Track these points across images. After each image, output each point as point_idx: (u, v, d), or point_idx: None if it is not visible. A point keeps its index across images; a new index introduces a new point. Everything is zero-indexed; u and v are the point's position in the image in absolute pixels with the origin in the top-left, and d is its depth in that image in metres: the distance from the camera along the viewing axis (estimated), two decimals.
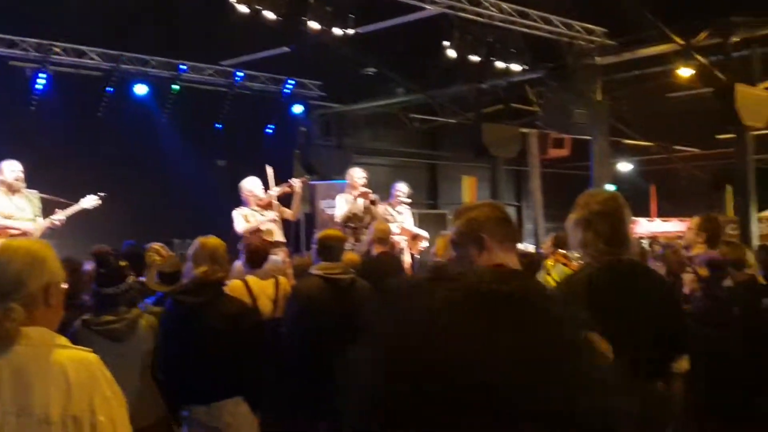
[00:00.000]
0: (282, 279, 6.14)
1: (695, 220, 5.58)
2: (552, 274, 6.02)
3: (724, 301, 5.03)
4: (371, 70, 16.14)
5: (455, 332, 0.81)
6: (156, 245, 6.12)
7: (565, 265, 6.20)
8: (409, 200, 9.83)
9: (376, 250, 7.18)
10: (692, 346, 3.50)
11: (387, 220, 8.72)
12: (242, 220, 8.53)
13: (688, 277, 5.09)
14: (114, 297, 4.28)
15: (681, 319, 3.63)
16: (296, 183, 9.15)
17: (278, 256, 6.77)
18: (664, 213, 20.03)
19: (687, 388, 3.42)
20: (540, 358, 0.80)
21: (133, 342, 4.32)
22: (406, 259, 8.99)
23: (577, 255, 3.87)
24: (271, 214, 8.74)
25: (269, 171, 9.10)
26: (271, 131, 17.41)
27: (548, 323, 0.85)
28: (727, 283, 5.33)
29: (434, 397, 0.78)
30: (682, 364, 3.40)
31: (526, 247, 15.00)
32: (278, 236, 8.67)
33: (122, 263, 4.42)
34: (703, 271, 5.09)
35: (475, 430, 0.77)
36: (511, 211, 23.68)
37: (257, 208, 8.72)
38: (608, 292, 3.31)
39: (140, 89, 15.16)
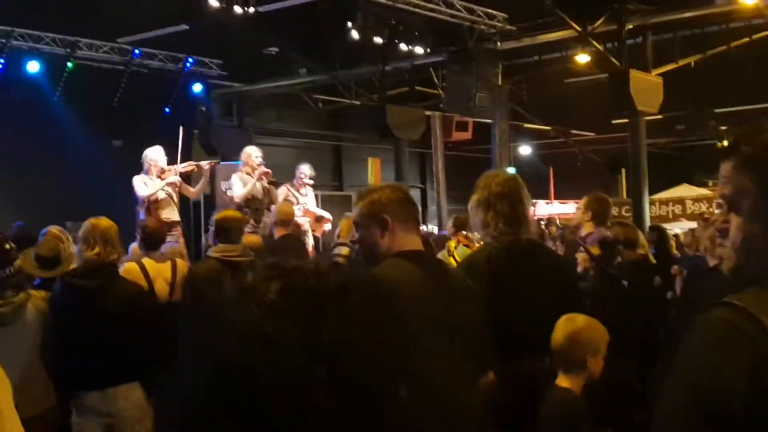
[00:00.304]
0: (180, 261, 5.95)
1: (583, 200, 5.71)
2: (454, 254, 6.05)
3: (615, 279, 5.16)
4: (273, 50, 15.88)
5: (281, 339, 0.77)
6: (54, 229, 5.80)
7: (467, 246, 6.24)
8: (313, 182, 9.72)
9: (278, 233, 7.04)
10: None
11: (289, 202, 8.58)
12: (142, 185, 8.23)
13: (580, 256, 5.21)
14: (0, 281, 4.05)
15: (575, 297, 3.70)
16: (205, 165, 8.92)
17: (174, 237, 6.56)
18: (561, 195, 20.58)
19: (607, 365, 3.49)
20: (367, 351, 0.75)
21: (19, 327, 4.12)
22: (309, 242, 8.89)
23: (478, 236, 3.89)
24: (173, 179, 8.41)
25: (181, 133, 8.87)
26: (169, 111, 16.96)
27: (372, 316, 0.80)
28: (618, 260, 5.49)
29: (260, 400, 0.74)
30: None
31: (431, 228, 15.16)
32: (174, 214, 8.42)
33: (9, 246, 4.18)
34: (595, 250, 5.21)
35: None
36: (415, 194, 23.87)
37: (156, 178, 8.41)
38: (507, 270, 3.37)
39: (33, 66, 14.60)
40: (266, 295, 0.79)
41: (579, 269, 5.18)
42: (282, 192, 9.04)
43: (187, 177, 8.96)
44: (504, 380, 2.98)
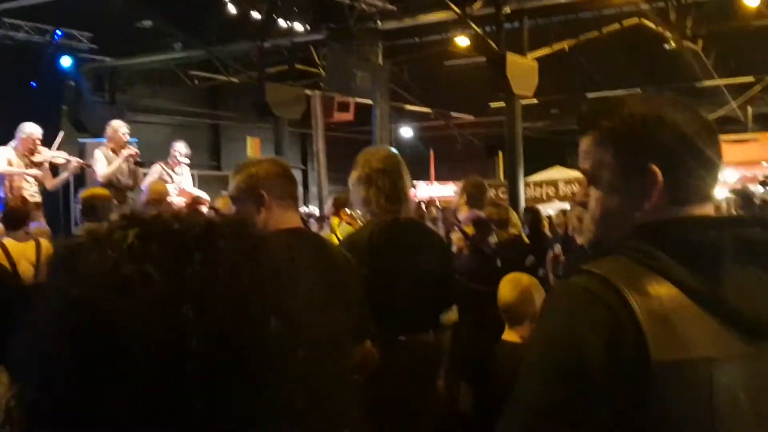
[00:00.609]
0: (44, 241, 5.66)
1: (461, 183, 5.83)
2: (337, 232, 6.07)
3: (489, 258, 5.29)
4: (147, 23, 15.32)
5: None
6: None
7: (349, 224, 6.27)
8: (189, 161, 9.45)
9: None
10: (461, 299, 3.66)
11: (163, 181, 8.31)
12: (5, 161, 7.78)
13: (455, 236, 5.31)
14: None
15: (452, 275, 3.76)
16: (74, 162, 8.48)
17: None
18: (442, 177, 20.88)
19: (453, 338, 3.59)
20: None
21: None
22: None
23: (360, 214, 3.88)
24: (33, 171, 8.01)
25: (60, 136, 8.46)
26: (36, 85, 16.10)
27: (241, 251, 0.77)
28: (493, 240, 5.63)
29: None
30: (451, 315, 3.56)
31: (312, 210, 15.08)
32: (37, 195, 8.02)
33: None
34: (469, 229, 5.32)
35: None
36: (297, 174, 23.66)
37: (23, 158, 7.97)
38: (388, 248, 3.37)
39: None
40: (123, 242, 0.73)
41: (454, 248, 5.28)
42: (156, 171, 8.74)
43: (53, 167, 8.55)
44: (385, 355, 3.01)
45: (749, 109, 21.64)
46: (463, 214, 5.65)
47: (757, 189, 12.54)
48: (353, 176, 3.56)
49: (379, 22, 14.12)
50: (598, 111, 1.49)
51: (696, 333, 1.26)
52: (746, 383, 1.27)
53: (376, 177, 3.46)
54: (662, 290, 1.28)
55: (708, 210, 1.43)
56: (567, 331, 1.30)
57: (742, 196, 9.97)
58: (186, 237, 0.74)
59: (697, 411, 1.24)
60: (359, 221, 4.67)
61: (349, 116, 16.71)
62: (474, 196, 5.66)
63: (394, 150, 4.04)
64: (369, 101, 14.89)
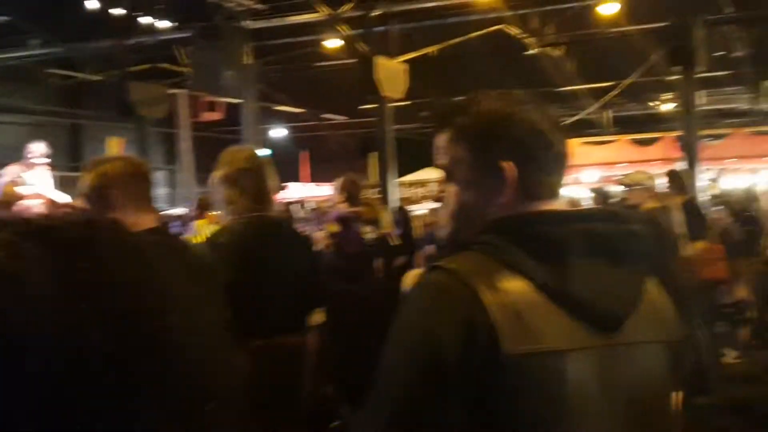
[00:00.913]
0: None
1: (338, 182, 5.82)
2: (202, 234, 5.93)
3: (356, 257, 5.29)
4: (3, 18, 14.52)
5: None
6: None
7: (216, 224, 6.15)
8: (46, 162, 9.00)
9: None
10: (327, 300, 3.63)
11: (16, 183, 7.89)
12: None
13: (319, 234, 5.27)
14: None
15: (319, 275, 3.72)
16: None
17: None
18: (316, 178, 20.84)
19: (321, 339, 3.55)
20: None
21: None
22: None
23: (223, 213, 3.79)
24: None
25: None
26: None
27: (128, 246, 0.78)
28: (370, 236, 5.64)
29: None
30: (318, 316, 3.53)
31: (179, 211, 14.68)
32: None
33: None
34: (334, 228, 5.30)
35: None
36: (164, 175, 23.07)
37: None
38: (253, 248, 3.30)
39: None
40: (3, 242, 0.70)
41: (320, 247, 5.24)
42: (10, 173, 8.29)
43: None
44: (253, 357, 2.95)
45: (608, 113, 22.75)
46: (341, 211, 5.65)
47: (615, 189, 13.15)
48: (216, 175, 3.46)
49: (247, 21, 13.92)
50: (452, 108, 1.52)
51: (547, 326, 1.28)
52: (596, 374, 1.30)
53: (240, 177, 3.38)
54: (514, 284, 1.30)
55: (559, 205, 1.46)
56: (422, 329, 1.30)
57: (600, 195, 10.43)
58: (68, 234, 0.72)
59: (549, 402, 1.26)
60: (224, 222, 4.57)
61: (217, 115, 16.41)
62: (352, 195, 5.67)
63: (266, 150, 3.97)
64: (240, 100, 14.68)
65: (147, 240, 0.81)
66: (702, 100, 15.80)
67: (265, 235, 3.41)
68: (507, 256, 1.32)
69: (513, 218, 1.39)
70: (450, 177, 1.49)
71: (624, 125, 22.57)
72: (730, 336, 8.47)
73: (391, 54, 13.82)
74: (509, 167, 1.40)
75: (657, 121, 22.77)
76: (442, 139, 1.50)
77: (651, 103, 23.33)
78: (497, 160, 1.41)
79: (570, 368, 1.28)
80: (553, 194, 1.46)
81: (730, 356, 8.31)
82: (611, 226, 1.40)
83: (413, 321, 1.32)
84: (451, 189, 1.49)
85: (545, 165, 1.44)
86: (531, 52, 15.67)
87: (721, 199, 9.71)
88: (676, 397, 1.49)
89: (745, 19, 15.12)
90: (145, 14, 12.45)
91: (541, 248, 1.33)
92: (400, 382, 1.29)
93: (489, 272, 1.30)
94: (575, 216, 1.42)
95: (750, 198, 10.41)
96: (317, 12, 13.12)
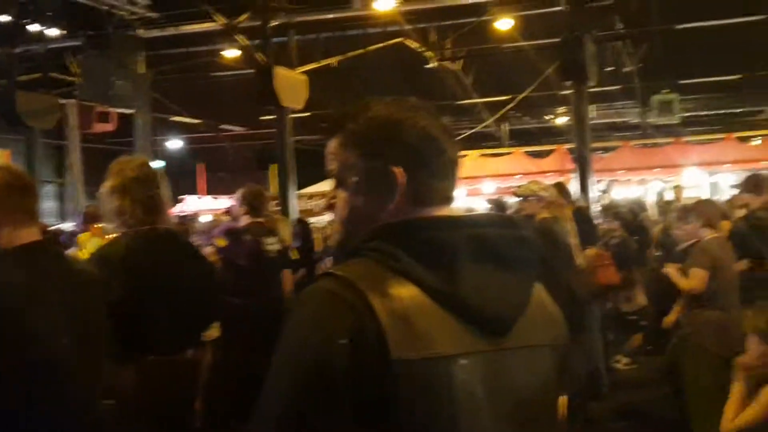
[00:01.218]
0: None
1: (239, 193, 5.71)
2: (87, 248, 5.68)
3: (243, 270, 5.17)
4: None
5: None
6: None
7: (102, 238, 5.92)
8: None
9: None
10: (222, 314, 3.55)
11: None
12: None
13: (208, 250, 5.14)
14: None
15: (213, 289, 3.62)
16: None
17: None
18: (213, 190, 20.52)
19: (216, 354, 3.47)
20: None
21: None
22: None
23: (113, 226, 3.65)
24: None
25: None
26: None
27: None
28: (273, 248, 5.55)
29: None
30: (212, 332, 3.45)
31: (68, 226, 14.15)
32: None
33: None
34: (222, 242, 5.20)
35: None
36: (53, 189, 22.25)
37: None
38: (145, 261, 3.20)
39: None
40: None
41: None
42: None
43: None
44: (146, 373, 2.90)
45: (505, 126, 23.31)
46: (244, 223, 5.54)
47: (511, 199, 13.44)
48: (106, 185, 3.33)
49: (140, 30, 13.60)
50: (344, 114, 1.50)
51: (436, 331, 1.27)
52: (484, 379, 1.31)
53: (131, 187, 3.27)
54: (403, 290, 1.28)
55: (450, 211, 1.46)
56: (308, 337, 1.27)
57: (497, 205, 10.63)
58: None
59: (438, 408, 1.25)
60: (112, 234, 4.41)
61: (110, 127, 15.87)
62: (254, 206, 5.57)
63: (160, 162, 3.84)
64: (132, 111, 14.31)
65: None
66: (594, 114, 16.40)
67: (157, 249, 3.29)
68: (396, 262, 1.31)
69: (402, 224, 1.38)
70: (340, 183, 1.48)
71: (520, 138, 23.19)
72: (623, 342, 8.76)
73: (291, 64, 13.76)
74: (399, 173, 1.40)
75: (552, 134, 23.48)
76: (332, 145, 1.49)
77: (546, 117, 24.05)
78: (387, 166, 1.41)
79: (458, 373, 1.27)
80: (444, 200, 1.45)
81: (622, 362, 8.59)
82: (500, 231, 1.41)
83: (300, 329, 1.29)
84: (342, 195, 1.48)
85: (436, 171, 1.44)
86: (430, 65, 15.88)
87: (611, 210, 10.04)
88: (563, 401, 1.51)
89: (634, 35, 15.77)
90: (34, 21, 11.96)
91: (431, 254, 1.33)
92: (286, 393, 1.26)
93: (378, 278, 1.29)
94: (464, 221, 1.41)
95: (639, 208, 10.81)
96: (213, 21, 12.93)
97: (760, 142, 17.36)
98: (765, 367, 3.06)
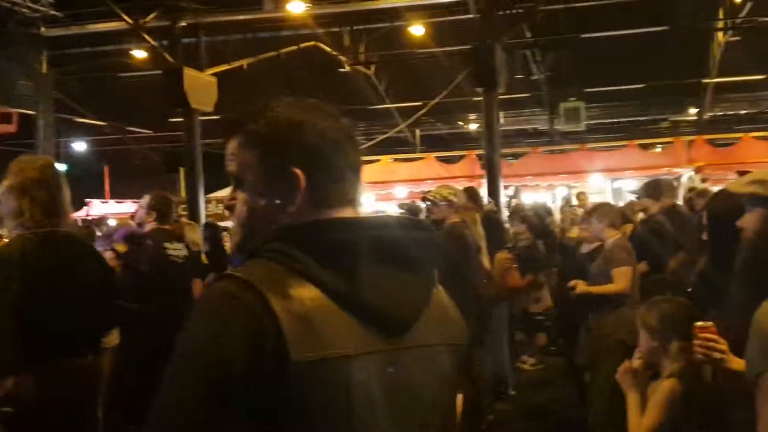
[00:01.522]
0: None
1: (145, 199, 5.58)
2: None
3: (145, 275, 5.06)
4: None
5: None
6: None
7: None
8: None
9: None
10: (121, 320, 3.47)
11: None
12: None
13: (108, 254, 5.01)
14: None
15: (110, 294, 3.53)
16: None
17: None
18: (118, 194, 20.02)
19: (116, 361, 3.40)
20: None
21: None
22: None
23: (9, 227, 3.51)
24: None
25: None
26: None
27: None
28: (180, 253, 5.44)
29: None
30: (112, 338, 3.37)
31: None
32: None
33: None
34: (122, 247, 5.08)
35: None
36: None
37: None
38: (41, 264, 3.11)
39: None
40: None
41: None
42: None
43: None
44: (39, 383, 2.83)
45: (418, 132, 23.52)
46: (148, 229, 5.42)
47: (423, 204, 13.56)
48: (4, 185, 3.22)
49: (43, 29, 13.16)
50: (245, 114, 1.49)
51: (336, 332, 1.28)
52: (381, 378, 1.32)
53: (32, 187, 3.17)
54: (304, 292, 1.29)
55: (350, 213, 1.46)
56: (206, 339, 1.25)
57: (410, 210, 10.71)
58: None
59: (336, 407, 1.26)
60: (6, 237, 4.27)
61: (11, 128, 15.31)
62: (162, 212, 5.46)
63: (62, 165, 3.72)
64: (33, 112, 13.82)
65: None
66: (503, 121, 16.72)
67: (55, 252, 3.21)
68: (296, 264, 1.31)
69: (303, 226, 1.38)
70: (239, 184, 1.47)
71: (433, 143, 23.44)
72: (529, 344, 8.95)
73: (200, 66, 13.55)
74: (300, 174, 1.40)
75: (464, 140, 23.84)
76: (232, 146, 1.48)
77: (459, 123, 24.39)
78: (288, 167, 1.40)
79: (357, 373, 1.28)
80: (346, 202, 1.46)
81: (528, 363, 8.77)
82: (400, 233, 1.42)
83: (197, 331, 1.28)
84: (241, 196, 1.47)
85: (337, 172, 1.44)
86: (344, 69, 15.89)
87: (519, 214, 10.24)
88: (460, 400, 1.53)
89: (542, 44, 16.16)
90: None
91: (331, 255, 1.33)
92: (183, 394, 1.23)
93: (278, 280, 1.29)
94: (365, 223, 1.42)
95: (545, 213, 11.04)
96: (120, 21, 12.61)
97: (660, 149, 18.00)
98: (653, 364, 3.15)
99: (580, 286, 5.57)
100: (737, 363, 2.35)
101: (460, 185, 8.23)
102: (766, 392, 1.88)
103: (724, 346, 2.41)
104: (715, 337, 2.42)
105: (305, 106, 1.48)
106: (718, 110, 22.79)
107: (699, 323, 2.48)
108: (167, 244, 5.33)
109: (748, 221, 2.17)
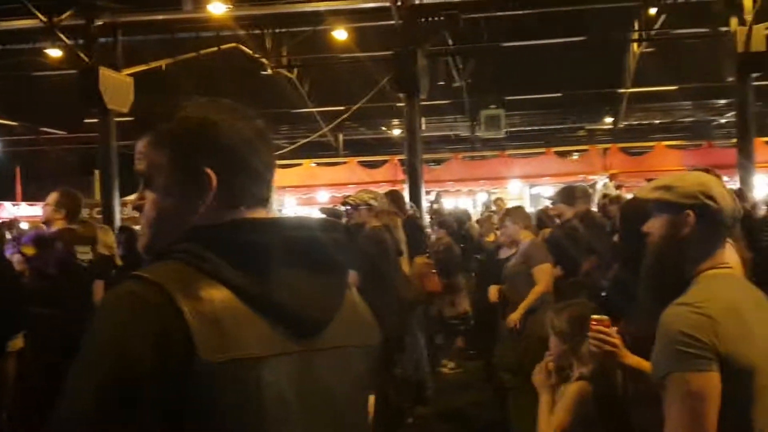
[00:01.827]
0: None
1: (53, 196, 5.39)
2: None
3: (54, 278, 4.88)
4: None
5: None
6: None
7: None
8: None
9: None
10: (27, 324, 3.36)
11: None
12: None
13: (15, 257, 4.82)
14: None
15: (16, 298, 3.41)
16: None
17: None
18: (30, 196, 19.39)
19: (21, 365, 3.29)
20: None
21: None
22: None
23: None
24: None
25: None
26: None
27: None
28: (86, 257, 5.29)
29: None
30: (17, 342, 3.26)
31: None
32: None
33: None
34: (30, 250, 4.90)
35: None
36: None
37: None
38: None
39: None
40: None
41: (18, 270, 4.78)
42: None
43: None
44: None
45: (340, 136, 23.52)
46: (55, 228, 5.23)
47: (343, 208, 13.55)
48: None
49: None
50: (156, 114, 1.47)
51: (246, 333, 1.27)
52: (292, 379, 1.31)
53: None
54: (214, 293, 1.27)
55: (262, 213, 1.44)
56: (111, 340, 1.21)
57: (331, 214, 10.68)
58: None
59: (247, 409, 1.25)
60: None
61: None
62: (72, 210, 5.28)
63: None
64: None
65: None
66: (425, 127, 16.85)
67: None
68: (206, 265, 1.29)
69: (214, 226, 1.36)
70: (149, 184, 1.43)
71: (356, 148, 23.47)
72: (448, 348, 9.04)
73: (117, 66, 13.24)
74: (210, 174, 1.38)
75: (387, 146, 23.93)
76: (142, 144, 1.45)
77: (383, 128, 24.48)
78: (199, 167, 1.38)
79: (267, 374, 1.27)
80: (259, 202, 1.44)
81: (448, 367, 8.85)
82: (314, 234, 1.41)
83: (102, 332, 1.24)
84: (150, 196, 1.43)
85: (250, 173, 1.42)
86: (266, 72, 15.74)
87: (439, 219, 10.33)
88: (372, 401, 1.53)
89: (463, 51, 16.35)
90: None
91: (242, 256, 1.31)
92: (87, 395, 1.19)
93: (187, 281, 1.26)
94: (277, 224, 1.40)
95: (464, 218, 11.18)
96: (34, 18, 12.22)
97: (577, 156, 18.45)
98: (565, 367, 3.21)
99: (494, 291, 5.70)
100: (633, 359, 2.42)
101: (382, 190, 8.25)
102: (672, 393, 1.94)
103: (616, 340, 2.47)
104: (608, 330, 2.47)
105: (219, 106, 1.46)
106: (633, 119, 23.50)
107: (595, 316, 2.53)
108: (76, 247, 5.16)
109: (653, 226, 2.23)
